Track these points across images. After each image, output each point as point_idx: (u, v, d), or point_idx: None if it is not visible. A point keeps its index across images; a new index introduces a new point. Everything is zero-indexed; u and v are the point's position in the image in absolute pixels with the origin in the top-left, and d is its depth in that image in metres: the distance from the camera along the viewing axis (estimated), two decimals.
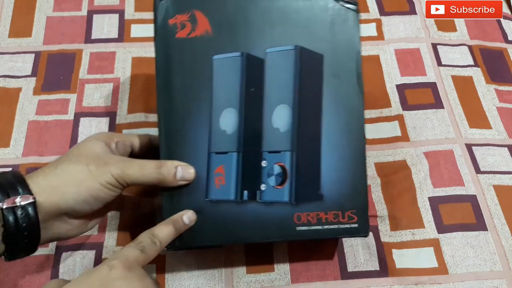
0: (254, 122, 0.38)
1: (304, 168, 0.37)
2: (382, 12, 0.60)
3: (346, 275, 0.43)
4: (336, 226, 0.38)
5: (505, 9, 0.63)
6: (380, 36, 0.59)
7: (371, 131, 0.51)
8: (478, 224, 0.46)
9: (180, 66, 0.37)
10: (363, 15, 0.60)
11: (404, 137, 0.51)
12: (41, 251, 0.42)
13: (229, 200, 0.37)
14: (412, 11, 0.61)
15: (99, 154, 0.36)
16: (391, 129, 0.52)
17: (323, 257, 0.43)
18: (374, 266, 0.43)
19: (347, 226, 0.38)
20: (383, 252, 0.44)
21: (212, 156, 0.37)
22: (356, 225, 0.38)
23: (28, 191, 0.32)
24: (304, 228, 0.37)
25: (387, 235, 0.45)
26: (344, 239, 0.45)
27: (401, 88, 0.55)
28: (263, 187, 0.37)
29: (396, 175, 0.48)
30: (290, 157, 0.37)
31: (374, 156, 0.50)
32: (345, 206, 0.38)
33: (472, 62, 0.57)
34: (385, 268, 0.43)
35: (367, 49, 0.57)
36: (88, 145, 0.37)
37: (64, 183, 0.34)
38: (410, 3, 0.61)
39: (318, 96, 0.38)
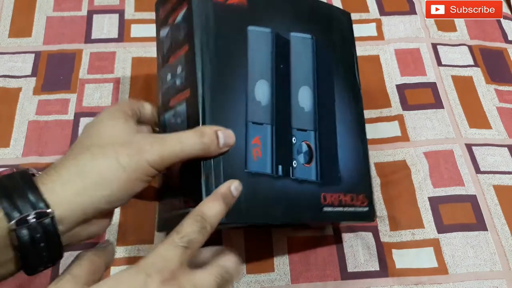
0: (284, 98, 0.38)
1: (325, 149, 0.39)
2: (382, 12, 0.60)
3: (346, 275, 0.43)
4: (353, 209, 0.39)
5: (505, 9, 0.63)
6: (380, 36, 0.59)
7: (371, 131, 0.51)
8: (478, 224, 0.46)
9: (218, 30, 0.36)
10: (363, 15, 0.60)
11: (404, 137, 0.51)
12: None
13: (266, 174, 0.35)
14: (412, 11, 0.61)
15: (125, 138, 0.30)
16: (391, 129, 0.52)
17: (323, 258, 0.43)
18: (374, 266, 0.43)
19: (360, 209, 0.39)
20: (383, 252, 0.44)
21: (249, 125, 0.35)
22: (367, 209, 0.40)
23: (44, 203, 0.26)
24: (329, 209, 0.37)
25: (386, 235, 0.45)
26: (344, 240, 0.44)
27: (401, 88, 0.55)
28: (294, 163, 0.37)
29: (396, 175, 0.48)
30: (314, 137, 0.38)
31: (374, 156, 0.50)
32: (357, 189, 0.39)
33: (472, 62, 0.57)
34: (385, 268, 0.43)
35: (367, 49, 0.57)
36: (107, 126, 0.31)
37: (91, 185, 0.28)
38: (410, 3, 0.61)
39: (331, 81, 0.41)
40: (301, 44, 0.40)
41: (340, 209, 0.38)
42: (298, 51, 0.39)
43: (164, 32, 0.39)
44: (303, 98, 0.39)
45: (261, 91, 0.37)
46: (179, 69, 0.36)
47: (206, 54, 0.34)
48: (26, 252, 0.26)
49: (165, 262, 0.26)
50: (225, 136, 0.32)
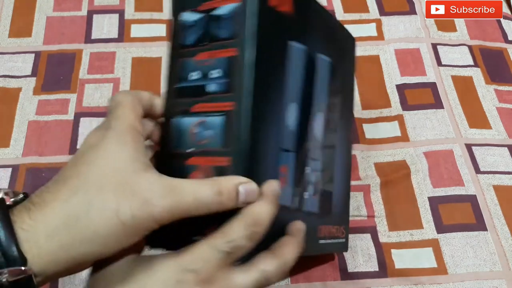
0: (305, 124, 0.35)
1: (326, 180, 0.37)
2: (382, 12, 0.60)
3: (346, 275, 0.43)
4: (336, 241, 0.38)
5: (505, 9, 0.63)
6: (380, 36, 0.58)
7: (371, 131, 0.51)
8: (478, 224, 0.46)
9: (267, 40, 0.32)
10: (363, 15, 0.60)
11: (404, 137, 0.51)
12: None
13: (285, 206, 0.32)
14: (412, 11, 0.61)
15: (131, 179, 0.24)
16: (391, 129, 0.52)
17: (323, 258, 0.43)
18: (373, 266, 0.43)
19: (339, 240, 0.39)
20: (382, 253, 0.44)
21: (280, 152, 0.32)
22: (344, 240, 0.40)
23: (21, 260, 0.22)
24: (323, 241, 0.37)
25: (385, 235, 0.45)
26: None
27: (401, 88, 0.55)
28: (306, 195, 0.35)
29: (396, 175, 0.48)
30: (321, 167, 0.37)
31: (373, 156, 0.50)
32: (341, 221, 0.39)
33: (472, 62, 0.57)
34: (384, 268, 0.43)
35: (367, 49, 0.57)
36: (111, 154, 0.25)
37: (82, 241, 0.23)
38: (410, 3, 0.61)
39: (337, 112, 0.39)
40: (323, 67, 0.37)
41: (330, 241, 0.37)
42: (321, 75, 0.37)
43: (191, 17, 0.33)
44: (318, 125, 0.36)
45: (291, 114, 0.34)
46: (216, 73, 0.31)
47: (260, 68, 0.31)
48: None
49: (204, 263, 0.24)
50: (246, 193, 0.27)
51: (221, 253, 0.24)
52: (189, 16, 0.33)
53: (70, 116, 0.50)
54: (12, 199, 0.25)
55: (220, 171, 0.31)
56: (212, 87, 0.32)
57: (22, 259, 0.22)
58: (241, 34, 0.31)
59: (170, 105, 0.33)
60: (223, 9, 0.32)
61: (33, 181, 0.46)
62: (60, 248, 0.23)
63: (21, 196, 0.25)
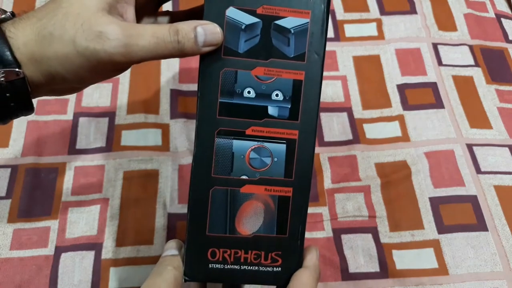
0: None
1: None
2: (383, 11, 0.60)
3: (347, 276, 0.42)
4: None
5: (505, 9, 0.62)
6: (380, 36, 0.58)
7: (372, 131, 0.51)
8: (479, 224, 0.46)
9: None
10: (364, 15, 0.60)
11: (404, 137, 0.51)
12: (40, 251, 0.42)
13: None
14: (412, 10, 0.61)
15: (92, 13, 0.26)
16: (392, 129, 0.51)
17: (324, 259, 0.43)
18: (374, 267, 0.43)
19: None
20: (383, 253, 0.44)
21: None
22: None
23: (15, 63, 0.25)
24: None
25: (386, 236, 0.45)
26: (344, 241, 0.44)
27: (401, 88, 0.54)
28: None
29: (396, 176, 0.48)
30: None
31: (374, 156, 0.50)
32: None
33: (472, 62, 0.57)
34: (386, 269, 0.43)
35: (367, 49, 0.57)
36: None
37: (47, 58, 0.26)
38: (411, 2, 0.61)
39: None
40: None
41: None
42: None
43: (244, 18, 0.29)
44: None
45: None
46: (277, 95, 0.30)
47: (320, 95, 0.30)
48: None
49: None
50: (206, 33, 0.27)
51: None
52: (241, 16, 0.29)
53: (69, 116, 0.50)
54: (3, 16, 0.28)
55: (280, 201, 0.30)
56: (274, 110, 0.30)
57: (16, 63, 0.25)
58: (312, 58, 0.29)
59: (212, 121, 0.30)
60: (289, 22, 0.29)
61: (33, 181, 0.46)
62: (32, 57, 0.26)
63: (8, 14, 0.28)
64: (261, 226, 0.31)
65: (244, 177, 0.30)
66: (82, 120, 0.50)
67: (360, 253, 0.44)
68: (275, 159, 0.30)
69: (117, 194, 0.46)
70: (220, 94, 0.29)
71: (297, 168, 0.30)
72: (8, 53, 0.25)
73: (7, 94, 0.26)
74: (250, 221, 0.31)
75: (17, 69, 0.25)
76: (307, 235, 0.44)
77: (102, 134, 0.49)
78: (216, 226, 0.31)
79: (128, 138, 0.49)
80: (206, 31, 0.27)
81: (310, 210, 0.46)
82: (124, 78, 0.53)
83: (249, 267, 0.31)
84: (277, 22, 0.29)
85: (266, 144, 0.30)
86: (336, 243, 0.44)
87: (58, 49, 0.26)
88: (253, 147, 0.30)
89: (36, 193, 0.45)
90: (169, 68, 0.54)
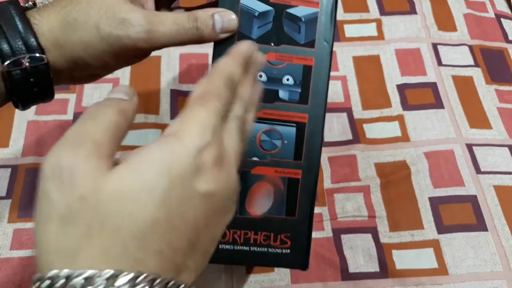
0: None
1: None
2: (383, 12, 0.60)
3: (347, 276, 0.42)
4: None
5: (505, 9, 0.62)
6: (380, 36, 0.58)
7: (371, 131, 0.51)
8: (479, 224, 0.46)
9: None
10: (364, 15, 0.60)
11: (404, 137, 0.51)
12: None
13: None
14: (412, 10, 0.61)
15: (116, 4, 0.27)
16: (392, 129, 0.51)
17: (323, 259, 0.43)
18: (374, 267, 0.43)
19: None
20: (382, 253, 0.44)
21: None
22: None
23: (39, 48, 0.26)
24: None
25: (386, 236, 0.45)
26: (344, 241, 0.44)
27: (401, 88, 0.54)
28: None
29: (396, 176, 0.48)
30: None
31: (374, 156, 0.50)
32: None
33: (472, 62, 0.57)
34: (385, 269, 0.43)
35: (367, 49, 0.57)
36: None
37: (71, 44, 0.27)
38: (411, 2, 0.61)
39: None
40: None
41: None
42: None
43: (257, 5, 0.31)
44: None
45: None
46: (288, 79, 0.31)
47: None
48: (18, 92, 0.27)
49: (220, 143, 0.21)
50: (223, 20, 0.29)
51: (235, 123, 0.23)
52: (255, 4, 0.31)
53: (69, 116, 0.50)
54: (26, 4, 0.28)
55: (290, 183, 0.31)
56: (285, 94, 0.31)
57: (41, 49, 0.26)
58: (321, 46, 0.31)
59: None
60: (300, 10, 0.31)
61: (33, 181, 0.46)
62: (57, 43, 0.27)
63: (31, 3, 0.29)
64: (271, 207, 0.32)
65: (255, 158, 0.31)
66: None
67: (360, 253, 0.44)
68: (285, 142, 0.31)
69: None
70: None
71: (306, 151, 0.31)
72: (33, 39, 0.26)
73: (31, 79, 0.26)
74: (260, 202, 0.32)
75: (41, 55, 0.26)
76: None
77: None
78: None
79: (128, 138, 0.49)
80: (223, 18, 0.29)
81: None
82: (124, 78, 0.53)
83: (258, 249, 0.32)
84: (289, 10, 0.31)
85: (277, 127, 0.31)
86: (336, 243, 0.44)
87: (82, 35, 0.27)
88: (264, 129, 0.31)
89: (36, 193, 0.45)
90: (169, 69, 0.54)
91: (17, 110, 0.50)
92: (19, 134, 0.49)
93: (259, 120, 0.31)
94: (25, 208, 0.44)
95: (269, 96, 0.31)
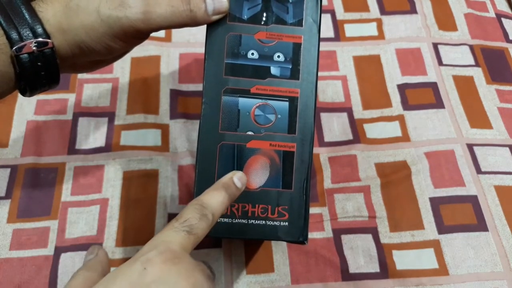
0: None
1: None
2: (383, 11, 0.60)
3: (347, 276, 0.42)
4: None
5: (506, 8, 0.62)
6: (380, 36, 0.58)
7: (372, 131, 0.51)
8: (479, 224, 0.45)
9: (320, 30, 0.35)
10: (364, 15, 0.60)
11: (405, 137, 0.51)
12: (40, 251, 0.42)
13: None
14: (412, 10, 0.60)
15: None
16: (392, 129, 0.51)
17: (323, 259, 0.43)
18: (375, 268, 0.43)
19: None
20: (383, 254, 0.44)
21: None
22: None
23: (45, 33, 0.28)
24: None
25: (386, 236, 0.45)
26: (344, 241, 0.44)
27: (402, 88, 0.54)
28: None
29: (396, 176, 0.48)
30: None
31: (374, 156, 0.49)
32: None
33: (473, 62, 0.57)
34: (386, 269, 0.43)
35: (367, 49, 0.57)
36: None
37: (74, 28, 0.28)
38: (411, 2, 0.61)
39: None
40: None
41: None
42: None
43: None
44: None
45: None
46: (279, 56, 0.32)
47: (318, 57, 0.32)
48: (26, 77, 0.28)
49: (166, 243, 0.25)
50: (214, 2, 0.31)
51: (179, 233, 0.26)
52: None
53: (68, 116, 0.50)
54: None
55: (285, 156, 0.32)
56: (276, 70, 0.32)
57: (46, 34, 0.28)
58: (309, 24, 0.32)
59: (219, 80, 0.32)
60: None
61: (32, 182, 0.46)
62: (60, 28, 0.28)
63: None
64: (267, 180, 0.32)
65: (250, 133, 0.32)
66: (81, 120, 0.50)
67: (360, 254, 0.44)
68: (279, 116, 0.32)
69: (117, 194, 0.46)
70: (225, 55, 0.32)
71: (299, 124, 0.32)
72: (39, 26, 0.28)
73: (39, 63, 0.28)
74: (257, 175, 0.32)
75: (47, 39, 0.28)
76: None
77: (101, 134, 0.49)
78: None
79: (127, 138, 0.49)
80: (214, 0, 0.30)
81: (310, 210, 0.46)
82: (124, 78, 0.53)
83: (256, 221, 0.32)
84: None
85: (270, 102, 0.32)
86: (336, 244, 0.44)
87: (84, 19, 0.28)
88: (258, 104, 0.32)
89: (36, 193, 0.45)
90: (169, 68, 0.54)
91: (16, 110, 0.50)
92: (18, 134, 0.49)
93: (253, 95, 0.32)
94: (24, 208, 0.44)
95: (262, 73, 0.32)
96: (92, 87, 0.52)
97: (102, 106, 0.51)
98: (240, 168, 0.32)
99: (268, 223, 0.32)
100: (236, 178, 0.31)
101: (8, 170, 0.46)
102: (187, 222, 0.26)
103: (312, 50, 0.32)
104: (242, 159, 0.32)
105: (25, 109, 0.50)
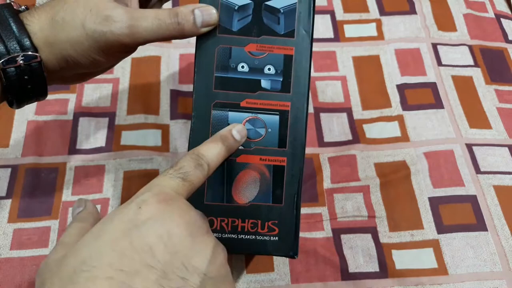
0: None
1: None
2: (382, 12, 0.60)
3: (347, 276, 0.42)
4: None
5: (505, 9, 0.62)
6: (380, 36, 0.58)
7: (371, 131, 0.51)
8: (478, 224, 0.46)
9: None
10: (363, 15, 0.60)
11: (404, 137, 0.51)
12: (40, 251, 0.42)
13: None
14: (412, 10, 0.61)
15: (98, 1, 0.29)
16: (391, 129, 0.51)
17: (323, 258, 0.43)
18: (374, 267, 0.43)
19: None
20: (382, 253, 0.44)
21: None
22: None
23: (33, 47, 0.28)
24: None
25: (386, 236, 0.45)
26: (344, 241, 0.44)
27: (401, 88, 0.54)
28: None
29: (396, 176, 0.48)
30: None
31: (373, 156, 0.50)
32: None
33: (472, 62, 0.57)
34: (385, 269, 0.43)
35: (367, 49, 0.57)
36: None
37: (60, 42, 0.28)
38: (410, 3, 0.61)
39: None
40: None
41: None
42: None
43: (237, 0, 0.32)
44: None
45: None
46: (269, 69, 0.32)
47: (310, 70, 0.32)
48: (13, 90, 0.28)
49: (160, 187, 0.25)
50: (203, 14, 0.30)
51: (174, 179, 0.26)
52: None
53: (69, 116, 0.50)
54: (19, 8, 0.30)
55: (275, 171, 0.32)
56: (267, 83, 0.32)
57: (33, 47, 0.28)
58: (301, 35, 0.31)
59: (208, 94, 0.32)
60: (279, 2, 0.32)
61: (33, 182, 0.46)
62: (47, 41, 0.28)
63: (23, 7, 0.30)
64: (257, 195, 0.32)
65: (240, 147, 0.31)
66: (82, 120, 0.50)
67: (359, 253, 0.44)
68: (269, 130, 0.32)
69: (117, 194, 0.46)
70: (215, 69, 0.32)
71: (290, 138, 0.32)
72: (26, 39, 0.28)
73: (26, 77, 0.28)
74: (247, 190, 0.32)
75: (34, 53, 0.28)
76: (307, 235, 0.44)
77: (102, 134, 0.49)
78: (213, 195, 0.32)
79: (128, 138, 0.49)
80: (203, 12, 0.30)
81: (310, 210, 0.46)
82: (124, 78, 0.53)
83: (246, 236, 0.32)
84: (268, 3, 0.32)
85: (260, 116, 0.32)
86: (335, 243, 0.44)
87: (69, 32, 0.28)
88: (248, 118, 0.32)
89: (36, 193, 0.45)
90: (169, 69, 0.54)
91: (17, 110, 0.50)
92: (19, 134, 0.49)
93: (243, 109, 0.32)
94: (25, 208, 0.45)
95: (252, 86, 0.32)
96: (92, 88, 0.52)
97: (102, 106, 0.51)
98: (230, 183, 0.32)
99: (258, 238, 0.32)
100: (235, 130, 0.30)
101: (9, 170, 0.47)
102: (182, 170, 0.26)
103: (304, 62, 0.32)
104: (232, 173, 0.32)
105: (26, 109, 0.50)
